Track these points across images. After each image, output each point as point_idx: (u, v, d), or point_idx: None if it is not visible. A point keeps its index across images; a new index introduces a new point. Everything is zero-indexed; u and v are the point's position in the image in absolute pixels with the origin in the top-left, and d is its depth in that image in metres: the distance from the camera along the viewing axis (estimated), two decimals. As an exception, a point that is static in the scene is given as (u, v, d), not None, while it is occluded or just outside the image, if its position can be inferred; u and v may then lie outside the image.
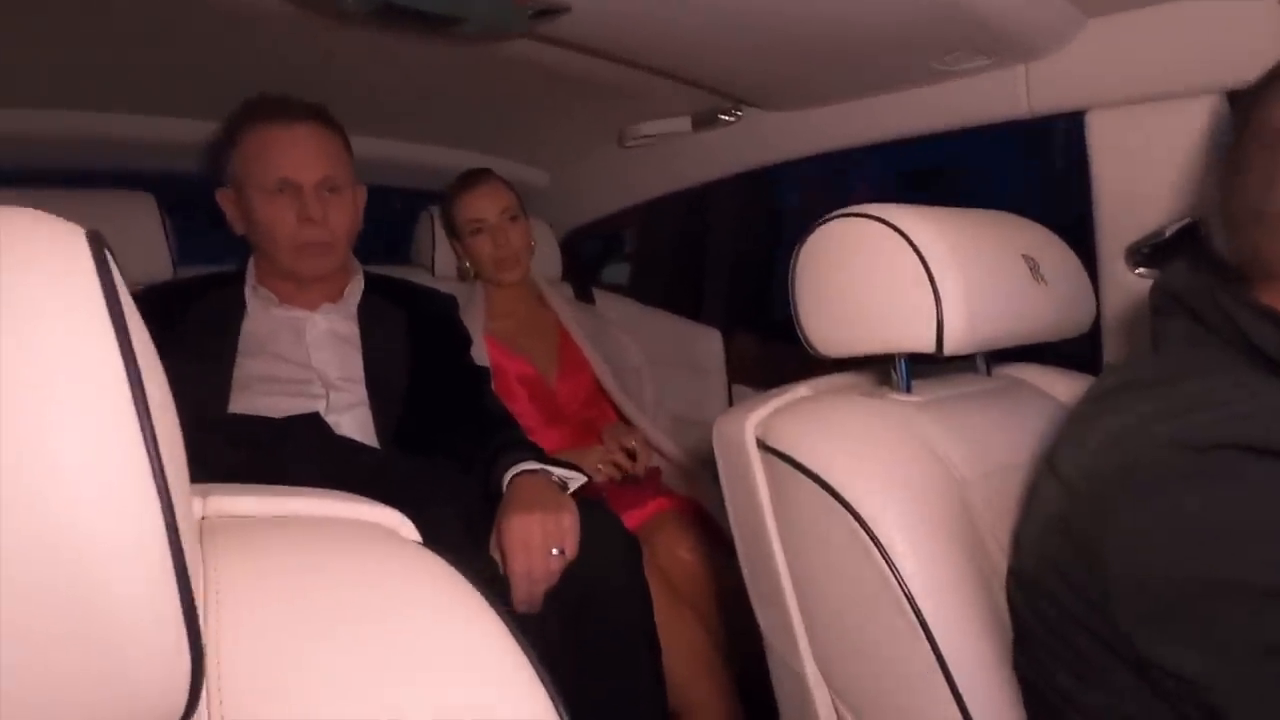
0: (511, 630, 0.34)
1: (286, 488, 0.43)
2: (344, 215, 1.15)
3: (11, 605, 0.22)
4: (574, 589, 0.94)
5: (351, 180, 1.17)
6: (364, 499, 0.43)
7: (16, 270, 0.24)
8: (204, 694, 0.27)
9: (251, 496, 0.40)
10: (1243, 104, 0.60)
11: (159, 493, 0.24)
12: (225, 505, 0.38)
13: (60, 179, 1.46)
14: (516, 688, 0.32)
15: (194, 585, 0.24)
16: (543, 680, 0.33)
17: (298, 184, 1.10)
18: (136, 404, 0.24)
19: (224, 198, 1.16)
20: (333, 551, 0.36)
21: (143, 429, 0.24)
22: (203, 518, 0.37)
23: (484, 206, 1.52)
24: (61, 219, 0.28)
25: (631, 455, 1.45)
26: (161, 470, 0.24)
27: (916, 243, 0.69)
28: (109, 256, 0.27)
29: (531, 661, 0.34)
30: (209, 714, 0.27)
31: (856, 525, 0.63)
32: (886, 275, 0.70)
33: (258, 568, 0.34)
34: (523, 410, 1.44)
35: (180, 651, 0.24)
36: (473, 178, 1.55)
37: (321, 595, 0.33)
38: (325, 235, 1.12)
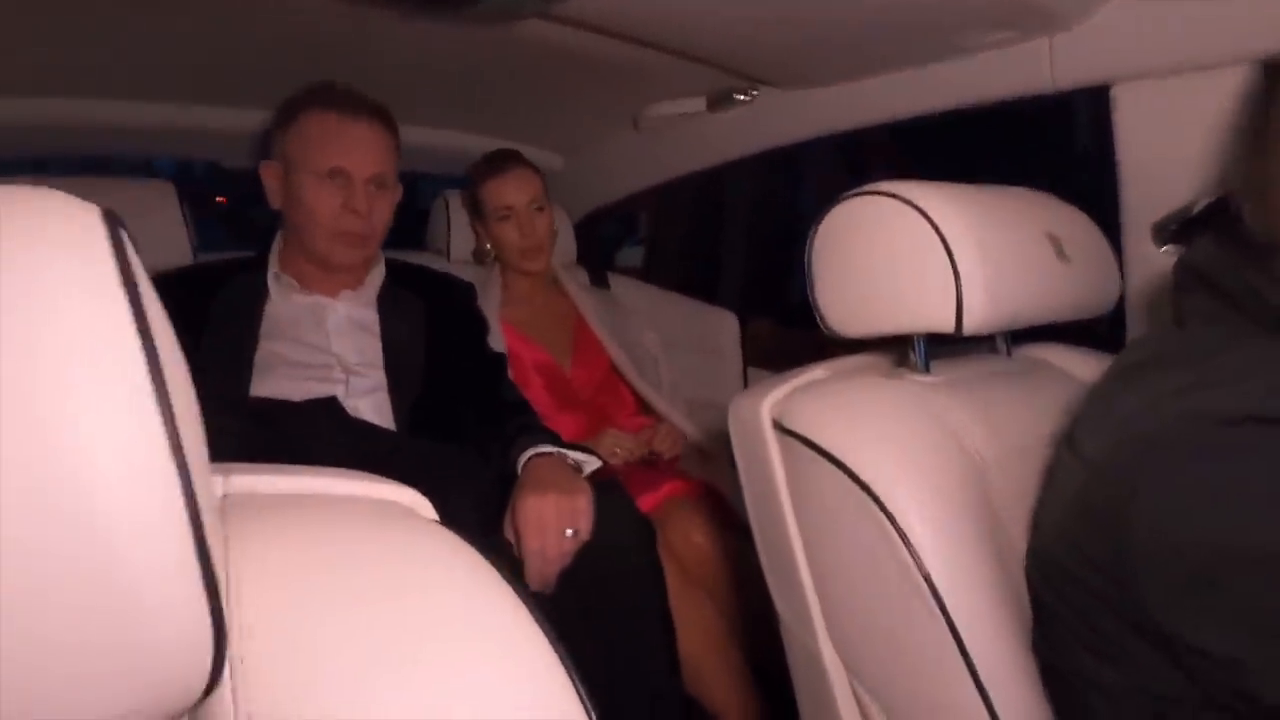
0: (530, 609, 0.35)
1: (306, 467, 0.43)
2: (385, 212, 1.18)
3: (34, 584, 0.23)
4: (588, 570, 0.94)
5: (396, 179, 1.21)
6: (382, 478, 0.44)
7: (31, 247, 0.24)
8: (226, 670, 0.27)
9: (271, 475, 0.40)
10: (1272, 75, 0.58)
11: (178, 469, 0.24)
12: (246, 484, 0.38)
13: (83, 166, 1.48)
14: (537, 667, 0.32)
15: (215, 562, 0.25)
16: (561, 659, 0.33)
17: (349, 175, 1.13)
18: (154, 381, 0.24)
19: (268, 170, 1.18)
20: (353, 529, 0.37)
21: (160, 406, 0.24)
22: (224, 496, 0.37)
23: (512, 194, 1.51)
24: (75, 197, 0.28)
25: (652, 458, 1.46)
26: (180, 446, 0.24)
27: (936, 220, 0.68)
28: (124, 235, 0.27)
29: (550, 640, 0.34)
30: (232, 690, 0.27)
31: (874, 507, 0.62)
32: (905, 254, 0.69)
33: (279, 544, 0.34)
34: (537, 396, 1.44)
35: (202, 627, 0.24)
36: (504, 161, 1.53)
37: (343, 572, 0.33)
38: (365, 228, 1.15)
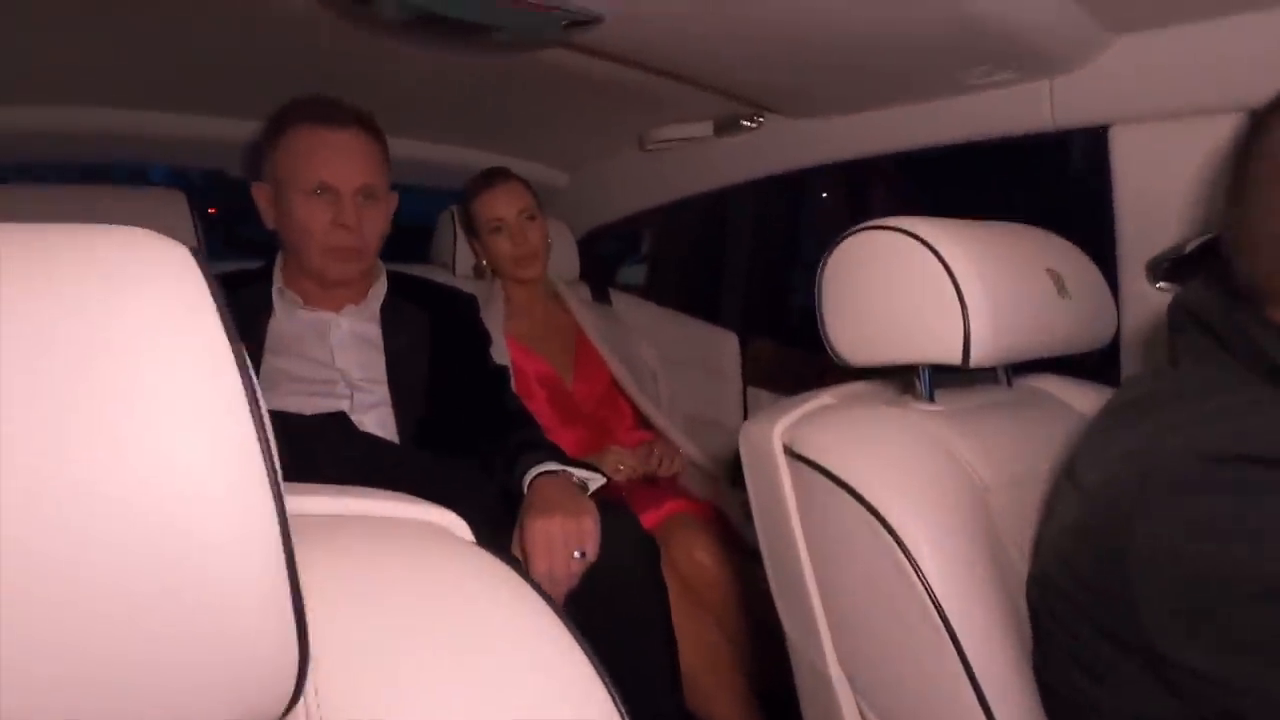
0: (569, 629, 0.36)
1: (343, 487, 0.44)
2: (377, 223, 1.17)
3: (137, 600, 0.24)
4: (592, 587, 0.95)
5: (387, 188, 1.19)
6: (416, 499, 0.45)
7: (138, 286, 0.26)
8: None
9: (316, 496, 0.41)
10: (1255, 124, 0.61)
11: (273, 491, 0.25)
12: (293, 505, 0.40)
13: (79, 174, 1.48)
14: (580, 686, 0.34)
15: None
16: (600, 676, 0.35)
17: (337, 189, 1.12)
18: (251, 407, 0.26)
19: (259, 191, 1.18)
20: (398, 551, 0.38)
21: (258, 433, 0.25)
22: None
23: (503, 206, 1.54)
24: (163, 236, 0.30)
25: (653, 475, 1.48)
26: (274, 470, 0.26)
27: (944, 256, 0.70)
28: (209, 268, 0.29)
29: (590, 659, 0.35)
30: (306, 707, 0.29)
31: (884, 532, 0.64)
32: (914, 287, 0.71)
33: (332, 565, 0.35)
34: (540, 410, 1.46)
35: (289, 643, 0.26)
36: (492, 177, 1.56)
37: (399, 597, 0.34)
38: (357, 242, 1.14)
